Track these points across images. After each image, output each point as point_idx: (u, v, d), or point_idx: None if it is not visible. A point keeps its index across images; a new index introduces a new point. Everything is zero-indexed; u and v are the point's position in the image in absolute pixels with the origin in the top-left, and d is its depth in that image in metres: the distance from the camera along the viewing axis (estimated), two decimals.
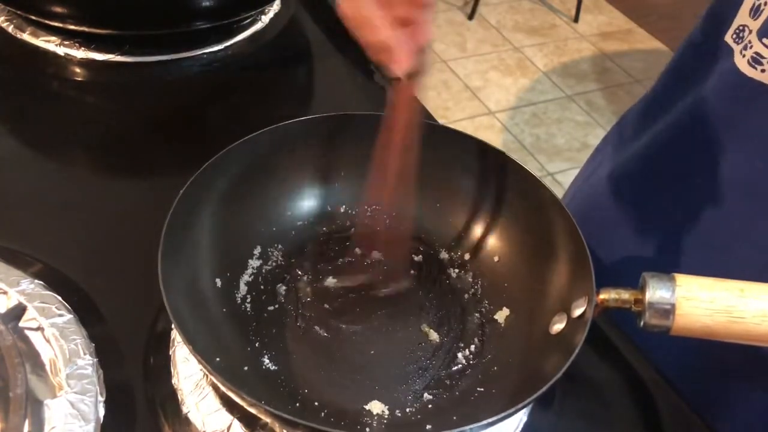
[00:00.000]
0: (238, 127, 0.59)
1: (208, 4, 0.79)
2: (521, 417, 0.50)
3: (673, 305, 0.44)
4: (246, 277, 0.55)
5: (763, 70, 0.52)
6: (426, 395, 0.50)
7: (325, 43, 0.86)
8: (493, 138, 2.17)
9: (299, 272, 0.57)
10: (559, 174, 2.06)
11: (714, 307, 0.44)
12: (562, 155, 2.14)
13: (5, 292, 0.50)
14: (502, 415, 0.42)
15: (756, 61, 0.52)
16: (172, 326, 0.52)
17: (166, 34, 0.78)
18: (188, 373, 0.49)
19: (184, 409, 0.48)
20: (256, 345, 0.52)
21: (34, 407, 0.44)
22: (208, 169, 0.53)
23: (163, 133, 0.72)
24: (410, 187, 0.54)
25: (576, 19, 2.75)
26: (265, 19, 0.86)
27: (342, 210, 0.61)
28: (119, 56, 0.77)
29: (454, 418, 0.48)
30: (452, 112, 2.25)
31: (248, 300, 0.54)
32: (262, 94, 0.77)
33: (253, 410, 0.44)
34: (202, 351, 0.43)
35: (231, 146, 0.55)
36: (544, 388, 0.42)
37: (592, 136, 2.21)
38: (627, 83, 2.47)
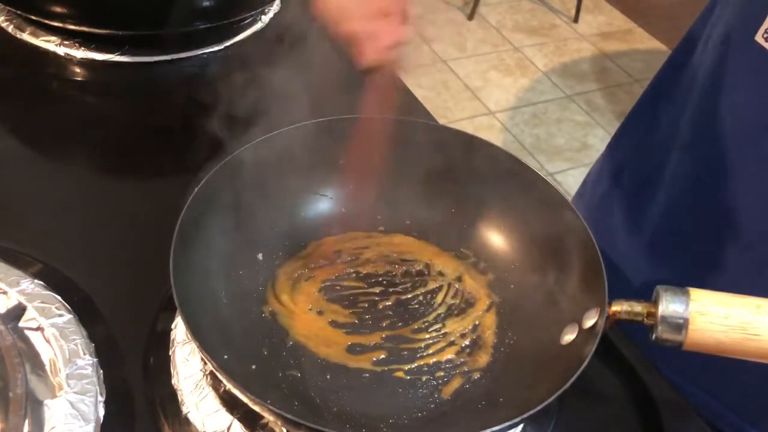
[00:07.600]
0: (237, 127, 0.59)
1: (207, 4, 0.79)
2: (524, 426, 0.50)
3: (686, 320, 0.43)
4: (256, 278, 0.55)
5: None
6: (433, 402, 0.50)
7: (325, 43, 0.86)
8: (493, 138, 2.17)
9: (310, 274, 0.57)
10: (559, 174, 2.06)
11: (729, 323, 0.43)
12: (561, 155, 2.14)
13: (5, 292, 0.50)
14: (507, 424, 0.41)
15: None
16: (172, 326, 0.52)
17: (166, 34, 0.78)
18: (188, 373, 0.49)
19: (184, 410, 0.48)
20: (264, 344, 0.52)
21: (34, 407, 0.44)
22: (223, 169, 0.53)
23: (162, 133, 0.72)
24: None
25: (576, 20, 2.74)
26: (265, 19, 0.86)
27: (355, 213, 0.61)
28: (119, 56, 0.77)
29: (462, 425, 0.48)
30: (452, 112, 2.24)
31: (257, 301, 0.54)
32: (261, 94, 0.77)
33: (257, 408, 0.44)
34: (208, 347, 0.43)
35: (248, 144, 0.55)
36: (551, 399, 0.42)
37: (591, 136, 2.21)
38: (627, 83, 2.47)
